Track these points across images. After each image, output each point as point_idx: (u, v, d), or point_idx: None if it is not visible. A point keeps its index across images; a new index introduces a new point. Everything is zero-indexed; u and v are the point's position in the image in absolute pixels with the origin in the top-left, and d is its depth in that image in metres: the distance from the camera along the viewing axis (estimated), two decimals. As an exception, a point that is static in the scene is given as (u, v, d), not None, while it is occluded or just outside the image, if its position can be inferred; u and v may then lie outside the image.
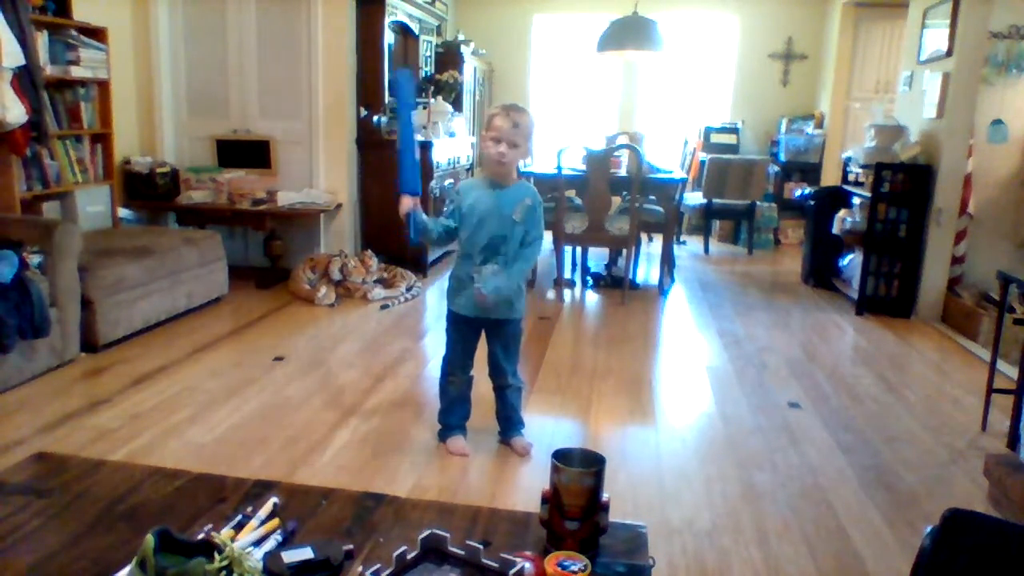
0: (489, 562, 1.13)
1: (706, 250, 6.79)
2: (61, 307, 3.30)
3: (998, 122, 4.57)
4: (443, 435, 2.69)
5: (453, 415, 2.70)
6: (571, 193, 5.31)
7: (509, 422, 2.70)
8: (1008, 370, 3.38)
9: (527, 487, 2.44)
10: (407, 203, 2.39)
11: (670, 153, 6.55)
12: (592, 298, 5.12)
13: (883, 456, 2.78)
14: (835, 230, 5.18)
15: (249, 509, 1.32)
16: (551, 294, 5.10)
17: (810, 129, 7.27)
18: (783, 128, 7.41)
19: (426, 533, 1.18)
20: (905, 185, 4.56)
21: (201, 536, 1.17)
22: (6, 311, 2.93)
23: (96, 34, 4.17)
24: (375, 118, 5.21)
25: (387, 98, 5.33)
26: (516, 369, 2.69)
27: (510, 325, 2.62)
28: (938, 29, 4.63)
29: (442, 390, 2.71)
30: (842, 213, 5.13)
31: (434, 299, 4.81)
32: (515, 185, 2.55)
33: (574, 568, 1.11)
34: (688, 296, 5.15)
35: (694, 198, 6.94)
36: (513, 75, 7.92)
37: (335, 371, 3.42)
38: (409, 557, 1.14)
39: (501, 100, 7.93)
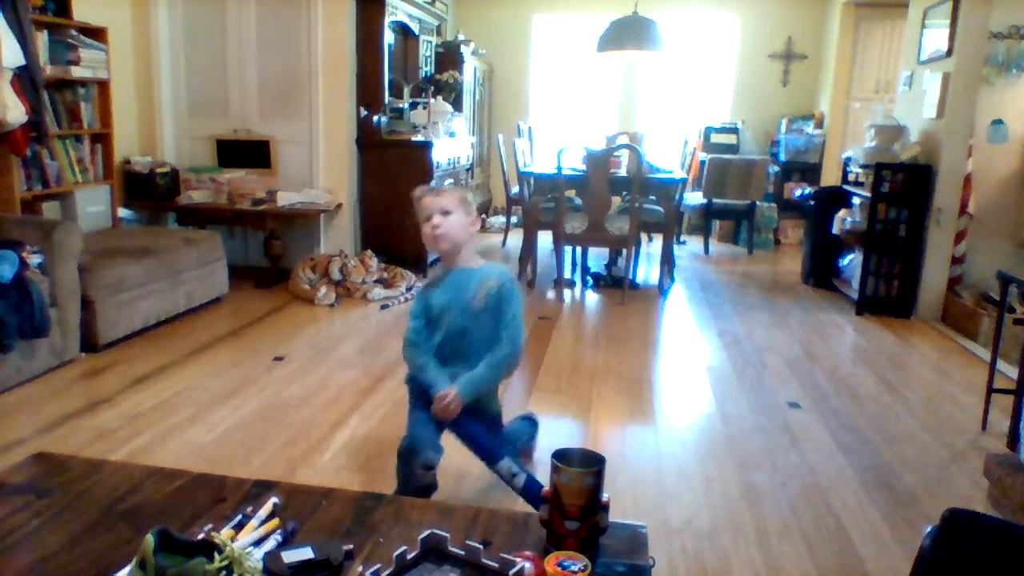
0: (489, 562, 1.13)
1: (706, 250, 6.78)
2: (61, 307, 3.30)
3: (998, 122, 4.57)
4: None
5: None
6: (571, 193, 5.31)
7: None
8: (1008, 370, 3.38)
9: (527, 487, 2.44)
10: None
11: (670, 153, 6.55)
12: (592, 298, 5.12)
13: (883, 456, 2.77)
14: (835, 230, 5.18)
15: (249, 509, 1.32)
16: (551, 294, 5.10)
17: (810, 129, 7.27)
18: (783, 128, 7.41)
19: (426, 533, 1.18)
20: (905, 185, 4.56)
21: (201, 536, 1.18)
22: (6, 311, 2.93)
23: (96, 34, 4.17)
24: (375, 118, 5.21)
25: (387, 98, 5.33)
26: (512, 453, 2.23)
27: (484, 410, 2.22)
28: (938, 29, 4.62)
29: (400, 479, 2.10)
30: (842, 213, 5.13)
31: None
32: (479, 267, 2.19)
33: (574, 568, 1.11)
34: (688, 296, 5.15)
35: (694, 198, 6.93)
36: (513, 75, 7.92)
37: (335, 371, 3.42)
38: (409, 557, 1.15)
39: (501, 100, 7.96)
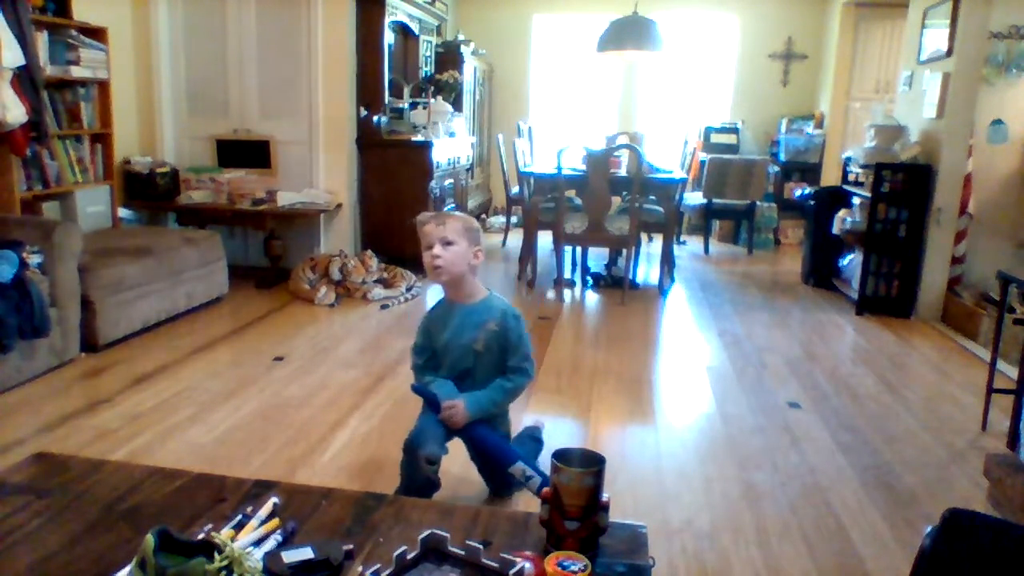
0: (489, 562, 1.13)
1: (706, 250, 6.78)
2: (61, 307, 3.30)
3: (998, 122, 4.57)
4: None
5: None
6: (571, 193, 5.31)
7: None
8: (1008, 370, 3.38)
9: (527, 487, 2.44)
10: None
11: (670, 153, 6.55)
12: (592, 298, 5.12)
13: (883, 456, 2.77)
14: (835, 230, 5.18)
15: (249, 509, 1.32)
16: (551, 294, 5.10)
17: (810, 129, 7.27)
18: (783, 128, 7.41)
19: (426, 533, 1.18)
20: (905, 185, 4.56)
21: (201, 536, 1.18)
22: (6, 311, 2.93)
23: (96, 34, 4.17)
24: (375, 118, 5.21)
25: (387, 98, 5.33)
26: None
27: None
28: (938, 29, 4.62)
29: (404, 474, 2.14)
30: (842, 213, 5.13)
31: (434, 299, 4.80)
32: (479, 302, 2.16)
33: (574, 568, 1.11)
34: (688, 296, 5.14)
35: (694, 198, 6.94)
36: (513, 75, 7.92)
37: (335, 371, 3.42)
38: (409, 557, 1.15)
39: (501, 100, 7.96)
